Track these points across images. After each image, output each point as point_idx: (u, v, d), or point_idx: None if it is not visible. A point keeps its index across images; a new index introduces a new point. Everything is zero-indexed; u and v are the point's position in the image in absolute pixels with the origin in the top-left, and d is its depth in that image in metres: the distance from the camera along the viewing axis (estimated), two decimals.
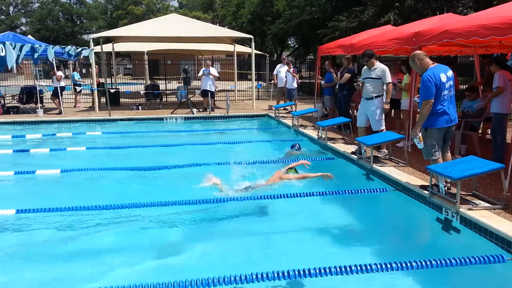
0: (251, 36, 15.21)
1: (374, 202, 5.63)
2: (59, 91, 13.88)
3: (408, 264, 3.61)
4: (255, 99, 15.93)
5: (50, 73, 15.66)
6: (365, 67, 7.43)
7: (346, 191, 5.66)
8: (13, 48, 9.45)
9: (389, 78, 7.18)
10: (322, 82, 11.23)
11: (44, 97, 15.04)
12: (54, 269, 3.90)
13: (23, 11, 64.51)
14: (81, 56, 13.81)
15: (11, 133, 10.40)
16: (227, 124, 12.39)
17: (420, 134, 5.07)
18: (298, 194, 5.56)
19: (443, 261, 3.64)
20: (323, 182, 5.90)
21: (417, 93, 6.66)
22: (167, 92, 18.50)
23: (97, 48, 15.86)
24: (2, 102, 14.45)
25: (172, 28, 15.09)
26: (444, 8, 16.22)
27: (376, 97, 7.18)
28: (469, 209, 4.48)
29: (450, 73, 5.08)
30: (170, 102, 16.97)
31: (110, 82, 19.15)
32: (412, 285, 3.59)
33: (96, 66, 15.06)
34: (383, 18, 15.44)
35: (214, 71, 14.17)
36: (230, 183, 5.93)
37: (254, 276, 3.44)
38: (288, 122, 11.34)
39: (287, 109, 13.65)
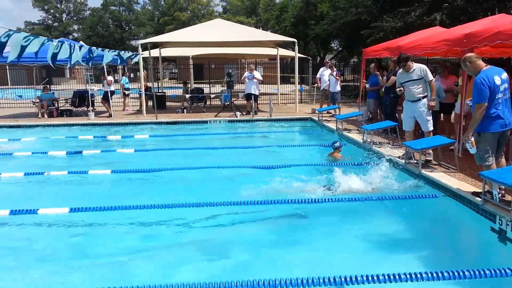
0: (295, 40, 15.18)
1: (423, 208, 5.46)
2: (109, 95, 14.45)
3: (461, 273, 3.48)
4: (298, 103, 15.88)
5: (101, 78, 16.31)
6: (400, 71, 7.26)
7: (394, 197, 5.54)
8: (72, 49, 9.94)
9: (430, 76, 7.07)
10: (367, 85, 11.04)
11: (95, 101, 15.67)
12: (113, 265, 4.05)
13: (75, 18, 67.63)
14: (132, 62, 14.28)
15: (64, 135, 10.91)
16: (270, 127, 12.43)
17: (472, 139, 4.89)
18: (344, 199, 5.50)
19: (497, 271, 3.49)
20: (371, 187, 5.82)
21: (469, 97, 6.43)
22: (211, 95, 18.81)
23: (145, 53, 16.36)
24: (56, 105, 15.18)
25: (217, 33, 15.32)
26: (495, 9, 15.53)
27: (422, 97, 7.03)
28: None
29: (504, 75, 4.88)
30: (214, 106, 17.24)
31: (157, 86, 19.69)
32: None
33: (144, 70, 15.55)
34: (428, 17, 14.97)
35: (258, 74, 14.27)
36: (273, 186, 5.95)
37: (299, 281, 3.43)
38: (332, 125, 11.23)
39: (331, 113, 13.52)
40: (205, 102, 16.45)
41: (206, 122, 13.12)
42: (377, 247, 4.41)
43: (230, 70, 17.30)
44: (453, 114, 8.49)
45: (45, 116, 14.16)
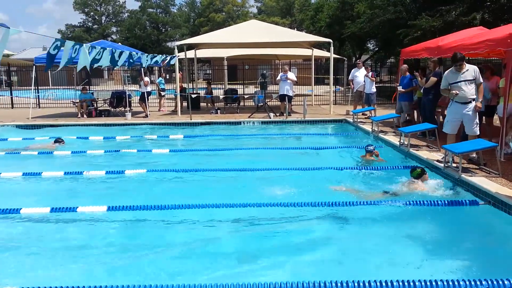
0: (330, 40, 15.02)
1: (463, 214, 5.26)
2: (145, 96, 14.75)
3: (500, 282, 3.34)
4: (333, 104, 15.69)
5: (137, 79, 16.67)
6: (451, 71, 7.00)
7: (432, 202, 5.37)
8: (116, 56, 10.26)
9: (481, 77, 6.85)
10: (399, 87, 10.83)
11: (132, 101, 16.03)
12: (154, 263, 4.14)
13: (114, 21, 69.52)
14: (170, 63, 14.52)
15: (103, 135, 11.20)
16: (304, 129, 12.34)
17: None
18: (381, 203, 5.39)
19: None
20: (406, 192, 5.67)
21: None
22: (245, 96, 18.88)
23: (181, 55, 16.60)
24: (95, 105, 15.63)
25: (252, 34, 15.36)
26: None
27: (473, 99, 6.80)
28: None
29: None
30: (247, 107, 17.29)
31: (192, 87, 19.95)
32: None
33: (180, 72, 15.77)
34: (467, 17, 14.47)
35: (292, 75, 14.20)
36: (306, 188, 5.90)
37: (333, 284, 3.38)
38: (367, 127, 11.02)
39: (366, 114, 13.29)
40: (238, 103, 16.53)
41: (239, 123, 13.17)
42: (415, 253, 4.30)
43: (265, 71, 17.30)
44: (495, 117, 8.17)
45: (84, 116, 14.60)
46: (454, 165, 6.50)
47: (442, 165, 6.71)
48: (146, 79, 15.03)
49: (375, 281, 3.40)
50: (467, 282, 3.35)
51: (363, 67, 14.46)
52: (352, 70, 14.65)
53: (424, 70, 10.25)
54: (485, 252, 4.43)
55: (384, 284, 3.38)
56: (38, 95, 19.58)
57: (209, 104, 17.36)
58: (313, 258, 4.22)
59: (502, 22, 14.09)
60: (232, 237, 4.74)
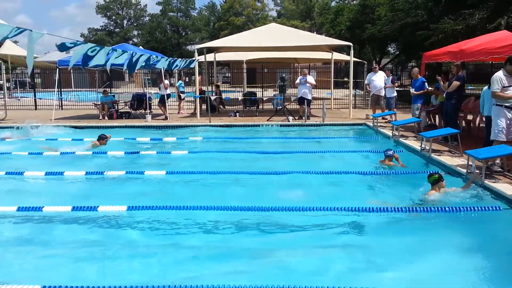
0: (350, 44, 14.91)
1: (485, 221, 5.14)
2: (165, 98, 14.89)
3: None
4: (352, 108, 15.57)
5: (158, 82, 16.84)
6: (506, 74, 6.67)
7: (454, 208, 5.26)
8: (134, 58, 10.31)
9: None
10: (412, 90, 10.71)
11: (152, 104, 16.22)
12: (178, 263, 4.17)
13: (135, 24, 70.57)
14: (189, 66, 14.61)
15: (123, 136, 11.34)
16: (323, 133, 12.26)
17: None
18: (401, 209, 5.31)
19: None
20: (427, 197, 5.58)
21: None
22: (264, 99, 18.88)
23: (201, 58, 16.71)
24: (116, 107, 15.86)
25: (272, 37, 15.36)
26: None
27: None
28: None
29: None
30: (266, 110, 17.29)
31: (211, 90, 20.06)
32: None
33: (200, 75, 15.88)
34: (491, 24, 14.18)
35: (311, 79, 14.16)
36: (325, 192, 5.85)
37: None
38: (388, 132, 10.89)
39: (386, 119, 13.15)
40: (257, 106, 16.54)
41: (258, 125, 13.17)
42: (436, 260, 4.20)
43: (284, 74, 17.27)
44: None
45: (106, 118, 14.83)
46: (477, 171, 6.36)
47: (464, 170, 6.58)
48: (166, 82, 15.17)
49: None
50: None
51: (382, 71, 14.35)
52: (369, 74, 14.62)
53: (447, 74, 10.10)
54: (507, 259, 4.32)
55: None
56: (61, 97, 19.98)
57: (220, 107, 17.46)
58: (329, 264, 4.17)
59: None
60: (250, 240, 4.73)
